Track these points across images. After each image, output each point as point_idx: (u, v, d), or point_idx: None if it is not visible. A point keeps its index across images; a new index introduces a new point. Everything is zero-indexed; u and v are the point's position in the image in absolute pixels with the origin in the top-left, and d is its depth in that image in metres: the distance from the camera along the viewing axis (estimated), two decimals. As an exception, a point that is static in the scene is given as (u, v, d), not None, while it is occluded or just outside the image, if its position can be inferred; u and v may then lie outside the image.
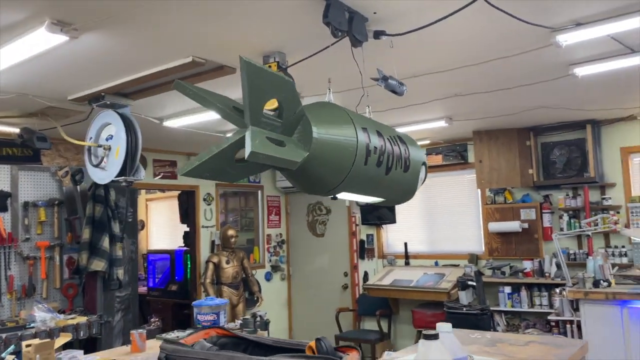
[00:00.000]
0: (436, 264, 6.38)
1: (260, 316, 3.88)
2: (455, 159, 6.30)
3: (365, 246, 7.04)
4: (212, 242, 6.74)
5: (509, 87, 3.82)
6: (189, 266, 7.75)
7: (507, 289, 5.67)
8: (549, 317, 5.10)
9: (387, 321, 6.53)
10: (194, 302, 4.16)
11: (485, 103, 4.44)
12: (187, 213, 6.89)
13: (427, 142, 6.27)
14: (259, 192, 7.56)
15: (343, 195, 2.23)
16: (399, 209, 6.69)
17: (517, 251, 5.76)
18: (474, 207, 6.23)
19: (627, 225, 5.12)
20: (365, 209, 6.92)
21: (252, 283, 6.68)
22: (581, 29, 2.63)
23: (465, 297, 5.60)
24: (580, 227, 5.35)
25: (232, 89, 3.71)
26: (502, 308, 5.65)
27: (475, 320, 5.02)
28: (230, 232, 6.57)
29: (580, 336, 4.75)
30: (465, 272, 5.92)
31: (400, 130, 5.39)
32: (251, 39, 2.80)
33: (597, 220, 5.09)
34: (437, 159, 6.42)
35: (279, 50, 2.95)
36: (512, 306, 5.63)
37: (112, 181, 3.48)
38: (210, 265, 6.33)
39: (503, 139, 5.66)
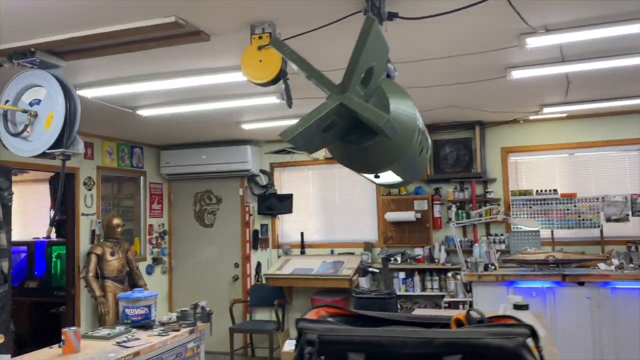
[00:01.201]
0: (332, 252, 6.55)
1: (202, 307, 3.61)
2: (353, 151, 6.53)
3: (259, 236, 6.93)
4: (93, 232, 6.03)
5: (448, 83, 4.10)
6: (54, 260, 6.84)
7: (402, 275, 6.07)
8: (445, 299, 5.59)
9: (281, 311, 6.51)
10: (120, 295, 3.73)
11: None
12: (63, 199, 6.05)
13: (332, 133, 6.41)
14: (142, 178, 6.96)
15: (386, 175, 2.19)
16: (297, 199, 6.72)
17: (410, 239, 6.20)
18: (370, 198, 6.53)
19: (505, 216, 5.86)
20: (262, 198, 6.81)
21: (137, 276, 6.13)
22: (550, 34, 2.95)
23: (365, 283, 5.88)
24: (467, 217, 5.96)
25: (197, 59, 3.40)
26: (397, 292, 6.02)
27: (383, 304, 5.27)
28: (116, 220, 5.96)
29: (471, 314, 5.29)
30: (363, 260, 6.22)
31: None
32: (238, 3, 2.57)
33: (482, 211, 5.74)
34: (336, 151, 6.59)
35: (270, 21, 2.77)
36: (406, 290, 6.05)
37: (45, 154, 2.93)
38: (93, 258, 5.68)
39: (404, 135, 6.03)
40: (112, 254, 5.81)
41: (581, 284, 5.01)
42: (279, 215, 6.88)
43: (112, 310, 5.58)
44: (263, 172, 6.89)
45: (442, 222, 6.14)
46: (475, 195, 5.97)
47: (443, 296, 5.84)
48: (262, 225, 6.95)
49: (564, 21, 2.93)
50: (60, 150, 2.91)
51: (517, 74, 3.74)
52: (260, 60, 2.74)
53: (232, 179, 7.05)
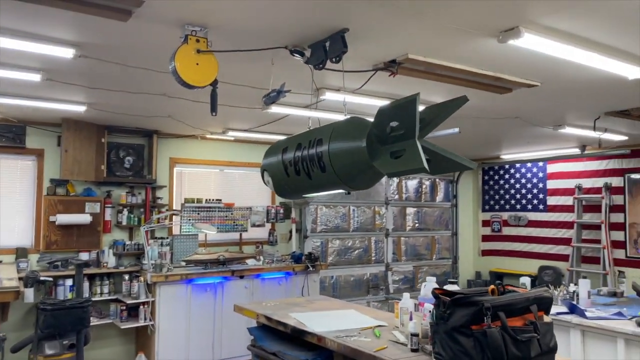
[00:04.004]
0: (-33, 262, 5.29)
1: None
2: (10, 141, 5.54)
3: None
4: None
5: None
6: None
7: (69, 282, 5.62)
8: (128, 302, 5.60)
9: None
10: None
11: (131, 100, 4.60)
12: None
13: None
14: None
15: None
16: None
17: (77, 243, 5.81)
18: (25, 198, 5.67)
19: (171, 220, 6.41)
20: None
21: None
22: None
23: (32, 295, 5.23)
24: (138, 222, 6.15)
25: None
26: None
27: (81, 312, 4.88)
28: None
29: (152, 314, 5.61)
30: (21, 268, 5.47)
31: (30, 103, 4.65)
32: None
33: (159, 217, 6.12)
34: (-14, 138, 5.41)
35: (202, 24, 2.75)
36: (73, 297, 5.63)
37: None
38: None
39: (86, 132, 5.68)
40: None
41: (242, 277, 6.21)
42: None
43: None
44: None
45: (111, 225, 6.07)
46: (149, 200, 6.25)
47: (115, 300, 5.81)
48: None
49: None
50: None
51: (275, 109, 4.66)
52: (197, 64, 2.72)
53: None
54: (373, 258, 8.17)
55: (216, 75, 2.77)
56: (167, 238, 6.39)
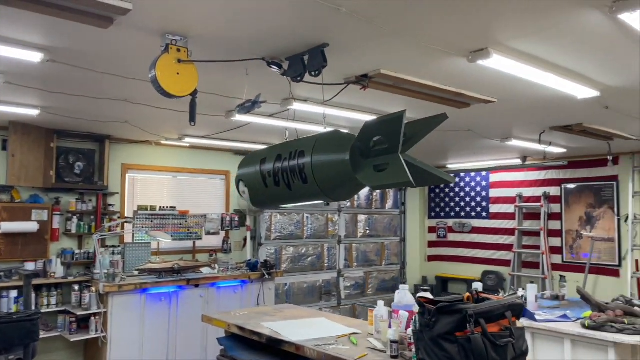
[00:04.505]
0: None
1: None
2: (-50, 144, 5.21)
3: None
4: None
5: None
6: None
7: (14, 293, 5.33)
8: (78, 313, 5.38)
9: None
10: None
11: (88, 104, 4.44)
12: None
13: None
14: None
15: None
16: None
17: (23, 252, 5.52)
18: (-32, 204, 5.34)
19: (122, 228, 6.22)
20: None
21: None
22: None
23: (-26, 308, 4.94)
24: (89, 229, 5.93)
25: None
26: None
27: (30, 326, 4.65)
28: None
29: (104, 325, 5.43)
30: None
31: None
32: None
33: (111, 225, 5.92)
34: None
35: (183, 34, 2.73)
36: (18, 310, 5.34)
37: None
38: None
39: (35, 136, 5.43)
40: None
41: (197, 286, 6.11)
42: None
43: None
44: None
45: (59, 233, 5.81)
46: (100, 207, 6.03)
47: (63, 311, 5.56)
48: None
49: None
50: None
51: (239, 117, 4.65)
52: (178, 73, 2.70)
53: None
54: (326, 265, 8.25)
55: (196, 86, 2.75)
56: (119, 246, 6.19)
